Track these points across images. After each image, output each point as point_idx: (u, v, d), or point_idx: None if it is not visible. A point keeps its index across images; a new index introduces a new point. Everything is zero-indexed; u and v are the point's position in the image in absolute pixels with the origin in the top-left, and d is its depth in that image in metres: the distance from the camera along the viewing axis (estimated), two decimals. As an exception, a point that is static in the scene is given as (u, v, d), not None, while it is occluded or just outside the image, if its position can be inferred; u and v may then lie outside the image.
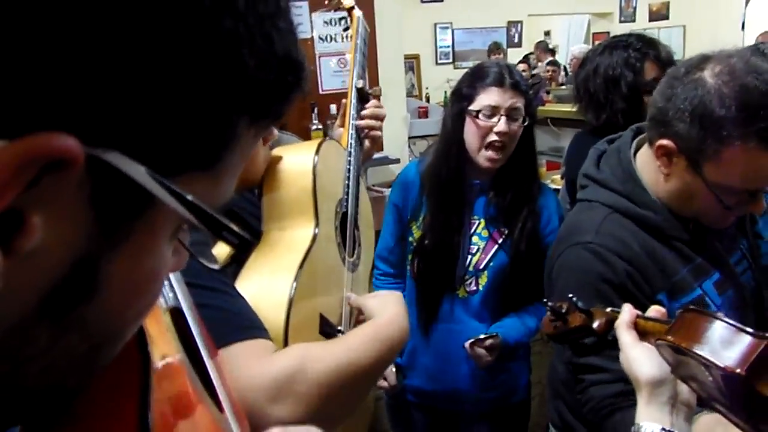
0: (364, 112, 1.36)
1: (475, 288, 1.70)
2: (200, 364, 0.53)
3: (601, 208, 1.18)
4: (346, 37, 3.57)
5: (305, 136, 3.29)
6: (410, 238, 1.74)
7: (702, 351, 0.70)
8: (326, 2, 1.55)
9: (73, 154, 0.25)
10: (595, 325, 0.94)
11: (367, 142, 1.37)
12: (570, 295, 0.97)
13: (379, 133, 1.38)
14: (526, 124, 1.64)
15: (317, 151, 1.10)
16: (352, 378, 0.84)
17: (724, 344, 0.69)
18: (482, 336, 1.63)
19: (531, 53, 8.22)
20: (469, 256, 1.69)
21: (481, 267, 1.69)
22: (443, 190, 1.68)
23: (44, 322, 0.30)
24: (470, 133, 1.64)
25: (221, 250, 0.90)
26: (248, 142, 0.35)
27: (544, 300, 1.03)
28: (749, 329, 0.68)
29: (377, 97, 1.41)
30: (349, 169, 1.22)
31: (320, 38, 3.50)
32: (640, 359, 0.84)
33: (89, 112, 0.26)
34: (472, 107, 1.62)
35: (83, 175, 0.27)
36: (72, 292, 0.30)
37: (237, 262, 0.99)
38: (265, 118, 0.35)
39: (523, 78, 1.72)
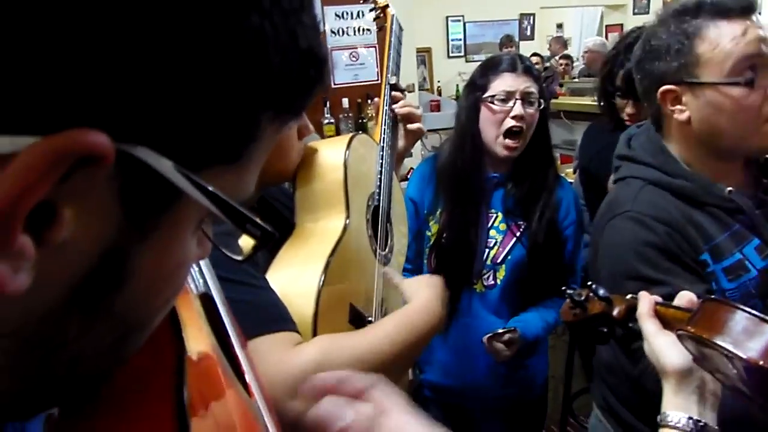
0: (398, 104, 1.36)
1: (493, 282, 1.69)
2: (230, 349, 0.54)
3: (636, 181, 1.20)
4: (359, 30, 3.57)
5: (318, 129, 3.29)
6: (428, 233, 1.73)
7: (724, 342, 0.70)
8: (362, 1, 1.56)
9: (105, 150, 0.26)
10: (615, 312, 0.94)
11: (402, 141, 1.38)
12: (589, 283, 0.97)
13: (422, 126, 1.40)
14: (542, 107, 1.63)
15: (348, 145, 1.13)
16: (378, 367, 0.84)
17: (747, 335, 0.69)
18: (500, 330, 1.62)
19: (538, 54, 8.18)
20: (487, 250, 1.68)
21: (499, 261, 1.67)
22: (460, 183, 1.67)
23: (74, 312, 0.31)
24: (486, 122, 1.63)
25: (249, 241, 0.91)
26: (271, 136, 0.35)
27: (563, 288, 1.02)
28: None
29: (410, 92, 1.43)
30: (381, 164, 1.24)
31: (332, 32, 3.49)
32: (666, 348, 0.83)
33: (119, 109, 0.27)
34: (486, 94, 1.62)
35: (113, 170, 0.27)
36: (101, 283, 0.31)
37: (269, 250, 1.01)
38: (287, 112, 0.35)
39: (533, 64, 1.72)
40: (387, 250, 1.22)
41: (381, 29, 1.51)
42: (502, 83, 1.61)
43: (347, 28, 3.52)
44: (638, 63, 1.20)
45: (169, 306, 0.39)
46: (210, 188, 0.30)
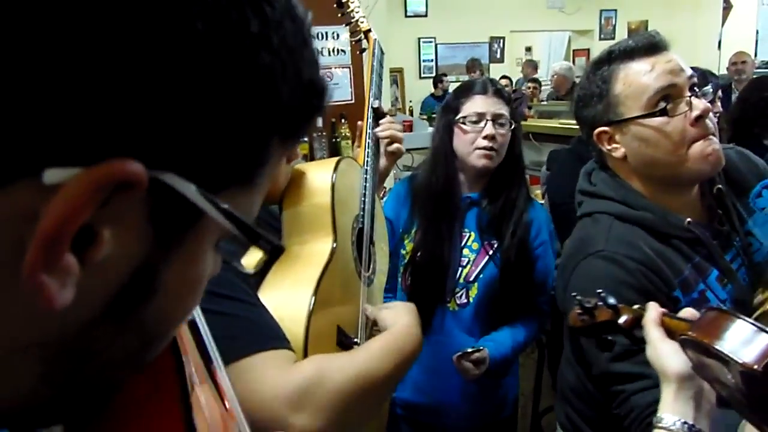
0: (380, 127, 1.40)
1: (465, 300, 1.71)
2: (212, 373, 0.56)
3: (604, 217, 1.23)
4: (333, 50, 3.61)
5: (291, 148, 3.30)
6: (402, 251, 1.76)
7: (722, 347, 0.72)
8: (345, 25, 1.58)
9: (140, 177, 0.29)
10: (622, 320, 0.97)
11: (383, 160, 1.41)
12: (599, 291, 1.00)
13: (401, 147, 1.43)
14: (513, 127, 1.68)
15: (336, 168, 1.15)
16: (368, 388, 0.87)
17: (745, 342, 0.71)
18: (469, 350, 1.64)
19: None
20: (460, 269, 1.71)
21: (471, 279, 1.70)
22: (435, 203, 1.71)
23: (108, 323, 0.34)
24: (459, 142, 1.68)
25: (249, 261, 0.92)
26: (277, 160, 0.39)
27: (573, 294, 1.04)
28: None
29: (392, 115, 1.45)
30: (365, 186, 1.26)
31: (307, 52, 3.52)
32: (670, 354, 0.87)
33: (151, 140, 0.30)
34: (459, 116, 1.67)
35: (145, 194, 0.30)
36: (133, 297, 0.34)
37: (258, 273, 1.01)
38: (292, 137, 0.39)
39: (504, 88, 1.78)
40: (370, 271, 1.24)
41: (363, 52, 1.53)
42: (474, 105, 1.66)
43: (322, 48, 3.55)
44: (574, 113, 1.31)
45: (188, 316, 0.43)
46: (227, 208, 0.34)
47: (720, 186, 1.23)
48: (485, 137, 1.63)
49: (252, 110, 0.34)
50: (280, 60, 0.34)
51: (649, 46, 1.17)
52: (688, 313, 0.92)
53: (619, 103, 1.18)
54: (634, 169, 1.22)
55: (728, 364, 0.72)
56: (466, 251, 1.72)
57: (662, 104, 1.14)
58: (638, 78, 1.16)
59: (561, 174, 2.49)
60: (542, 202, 2.98)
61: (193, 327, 0.56)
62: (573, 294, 1.04)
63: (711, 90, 1.23)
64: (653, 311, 0.93)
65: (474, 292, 1.71)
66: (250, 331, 0.82)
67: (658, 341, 0.89)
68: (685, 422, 0.83)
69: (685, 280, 1.15)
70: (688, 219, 1.18)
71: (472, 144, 1.65)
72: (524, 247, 1.71)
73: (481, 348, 1.64)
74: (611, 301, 0.98)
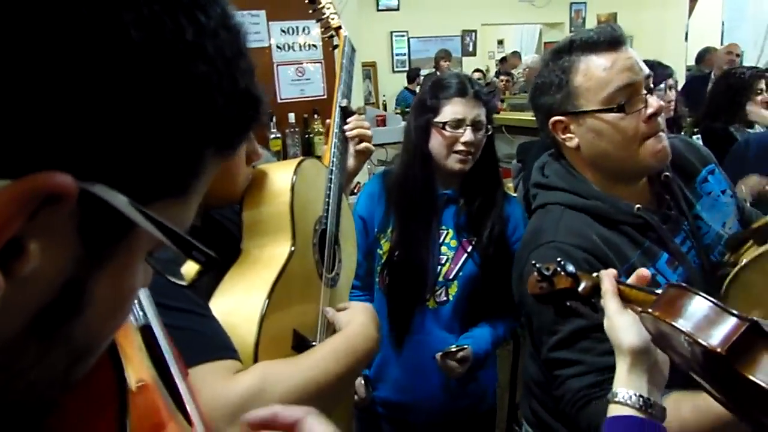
0: (347, 126, 1.37)
1: (445, 298, 1.71)
2: (170, 380, 0.55)
3: (555, 207, 1.26)
4: (305, 45, 3.59)
5: (264, 144, 3.28)
6: (379, 251, 1.74)
7: (685, 327, 0.72)
8: (316, 21, 1.56)
9: (69, 189, 0.29)
10: (581, 288, 0.97)
11: (352, 159, 1.38)
12: (558, 258, 1.00)
13: (370, 146, 1.41)
14: (489, 133, 1.68)
15: (296, 170, 1.13)
16: (315, 393, 0.87)
17: (708, 322, 0.71)
18: (453, 348, 1.64)
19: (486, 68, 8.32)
20: (439, 267, 1.70)
21: (451, 277, 1.70)
22: (411, 201, 1.70)
23: (33, 339, 0.33)
24: (437, 144, 1.67)
25: (186, 271, 0.91)
26: (212, 169, 0.39)
27: (533, 262, 1.04)
28: (733, 310, 0.70)
29: (361, 114, 1.43)
30: (329, 187, 1.24)
31: (278, 47, 3.49)
32: (625, 327, 0.87)
33: (81, 152, 0.29)
34: (438, 119, 1.65)
35: (74, 206, 0.30)
36: (60, 311, 0.33)
37: (215, 274, 1.01)
38: (227, 148, 0.39)
39: (482, 87, 1.77)
40: (334, 272, 1.22)
41: (335, 48, 1.51)
42: (453, 110, 1.64)
43: (293, 43, 3.53)
44: (530, 100, 1.31)
45: (118, 329, 0.41)
46: (160, 220, 0.33)
47: (667, 173, 1.27)
48: (464, 143, 1.63)
49: (186, 121, 0.33)
50: (215, 69, 0.34)
51: (611, 40, 1.18)
52: (638, 276, 0.93)
53: (577, 95, 1.20)
54: (586, 159, 1.25)
55: (690, 343, 0.72)
56: (444, 249, 1.72)
57: (620, 100, 1.16)
58: (599, 72, 1.17)
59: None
60: (515, 195, 3.00)
61: (147, 332, 0.55)
62: (533, 262, 1.04)
63: (663, 87, 1.25)
64: (608, 281, 0.92)
65: (454, 289, 1.71)
66: (195, 342, 0.80)
67: (614, 314, 0.89)
68: (640, 395, 0.84)
69: (632, 266, 1.17)
70: (638, 205, 1.21)
71: (450, 148, 1.65)
72: (503, 243, 1.72)
73: (465, 346, 1.65)
74: (570, 268, 0.98)
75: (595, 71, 1.18)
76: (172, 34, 0.31)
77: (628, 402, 0.84)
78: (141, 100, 0.30)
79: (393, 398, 1.80)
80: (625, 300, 0.90)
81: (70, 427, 0.40)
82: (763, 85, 3.08)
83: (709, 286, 1.19)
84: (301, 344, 1.06)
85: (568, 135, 1.24)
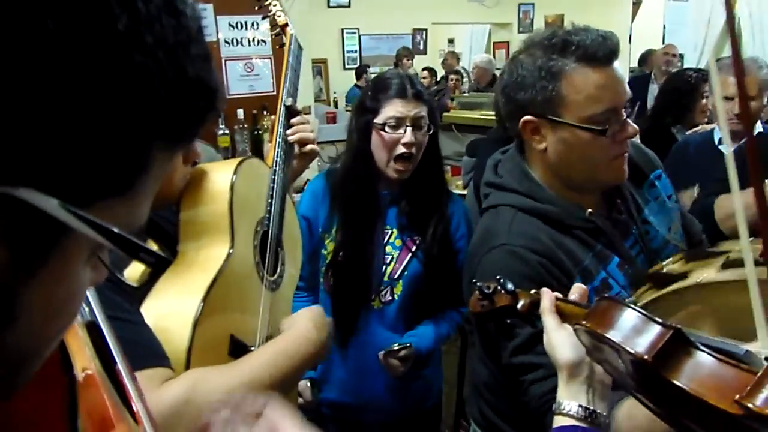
0: (290, 130, 1.34)
1: (390, 298, 1.72)
2: (116, 376, 0.54)
3: (507, 209, 1.25)
4: (253, 41, 3.54)
5: (212, 141, 3.22)
6: (323, 251, 1.73)
7: (615, 337, 0.75)
8: (263, 18, 1.53)
9: None
10: (520, 305, 0.99)
11: (296, 160, 1.35)
12: (498, 276, 1.01)
13: (316, 147, 1.37)
14: (431, 132, 1.68)
15: (236, 170, 1.10)
16: None
17: (635, 332, 0.74)
18: (395, 347, 1.65)
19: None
20: (384, 267, 1.70)
21: (396, 276, 1.71)
22: (354, 202, 1.69)
23: None
24: (377, 146, 1.65)
25: (140, 268, 0.89)
26: (162, 164, 0.36)
27: (473, 280, 1.05)
28: (658, 319, 0.73)
29: (306, 114, 1.40)
30: (272, 188, 1.21)
31: (226, 42, 3.43)
32: (561, 343, 0.90)
33: (1, 153, 0.27)
34: (377, 120, 1.64)
35: None
36: None
37: (144, 286, 0.96)
38: (179, 141, 0.37)
39: (424, 87, 1.76)
40: (277, 275, 1.20)
41: (282, 46, 1.48)
42: (392, 110, 1.63)
43: (242, 38, 3.47)
44: (504, 88, 1.24)
45: (61, 335, 0.39)
46: (98, 222, 0.31)
47: None
48: (405, 144, 1.62)
49: (124, 115, 0.31)
50: (155, 59, 0.32)
51: (609, 55, 1.14)
52: (577, 291, 0.96)
53: (560, 104, 1.15)
54: (549, 164, 1.24)
55: (619, 352, 0.75)
56: (389, 248, 1.72)
57: (602, 123, 1.13)
58: (590, 89, 1.13)
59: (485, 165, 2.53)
60: (464, 192, 3.03)
61: (93, 327, 0.53)
62: (473, 280, 1.05)
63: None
64: (547, 299, 0.95)
65: (399, 289, 1.72)
66: (123, 352, 0.78)
67: (551, 331, 0.92)
68: (581, 405, 0.87)
69: (585, 269, 1.20)
70: (589, 210, 1.23)
71: (391, 151, 1.63)
72: (446, 241, 1.73)
73: (408, 345, 1.66)
74: (509, 286, 1.00)
75: (586, 86, 1.13)
76: (101, 23, 0.29)
77: (571, 412, 0.88)
78: (67, 96, 0.28)
79: (339, 399, 1.79)
80: (562, 315, 0.93)
81: (17, 426, 0.38)
82: (707, 88, 3.19)
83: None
84: (238, 350, 1.03)
85: (537, 137, 1.21)
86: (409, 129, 1.62)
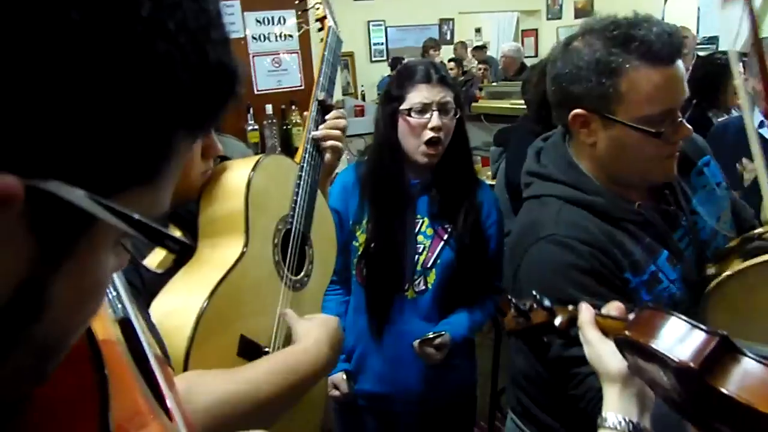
0: (323, 124, 1.30)
1: (424, 287, 1.71)
2: (149, 373, 0.53)
3: (553, 200, 1.21)
4: (281, 36, 3.55)
5: (242, 137, 3.24)
6: (355, 243, 1.73)
7: (658, 346, 0.72)
8: (299, 13, 1.52)
9: (13, 191, 0.26)
10: (557, 322, 0.96)
11: (327, 155, 1.30)
12: (534, 293, 0.98)
13: (338, 143, 1.31)
14: (458, 116, 1.67)
15: (255, 166, 1.07)
16: (245, 409, 0.83)
17: (679, 340, 0.71)
18: (431, 335, 1.64)
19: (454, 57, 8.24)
20: (416, 256, 1.70)
21: (429, 265, 1.70)
22: (384, 193, 1.69)
23: None
24: (405, 133, 1.66)
25: (161, 255, 0.89)
26: (184, 152, 0.36)
27: (509, 297, 1.02)
28: (703, 326, 0.71)
29: (340, 108, 1.35)
30: (299, 184, 1.18)
31: (254, 38, 3.45)
32: (609, 353, 0.86)
33: (27, 147, 0.27)
34: (404, 106, 1.64)
35: (23, 206, 0.27)
36: (19, 314, 0.31)
37: (166, 273, 0.95)
38: (201, 128, 0.36)
39: (448, 72, 1.76)
40: (302, 274, 1.16)
41: (323, 40, 1.44)
42: (418, 95, 1.63)
43: (269, 33, 3.48)
44: (556, 77, 1.19)
45: (87, 323, 0.39)
46: (124, 211, 0.31)
47: None
48: (432, 128, 1.62)
49: (148, 104, 0.30)
50: (178, 46, 0.31)
51: (672, 54, 1.09)
52: (615, 307, 0.91)
53: (616, 102, 1.10)
54: (596, 158, 1.20)
55: (664, 364, 0.72)
56: (420, 238, 1.71)
57: (658, 125, 1.10)
58: (649, 89, 1.08)
59: (519, 155, 2.49)
60: (493, 183, 3.00)
61: (126, 324, 0.53)
62: (508, 296, 1.03)
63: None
64: (587, 312, 0.92)
65: (432, 278, 1.71)
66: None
67: (597, 342, 0.88)
68: (630, 421, 0.83)
69: (635, 261, 1.16)
70: (638, 202, 1.19)
71: (419, 138, 1.63)
72: (477, 228, 1.73)
73: (442, 333, 1.65)
74: (546, 303, 0.97)
75: (646, 86, 1.08)
76: (124, 11, 0.28)
77: (618, 427, 0.83)
78: (92, 86, 0.28)
79: (374, 390, 1.79)
80: (602, 331, 0.90)
81: (46, 422, 0.38)
82: (741, 68, 3.11)
83: (704, 285, 1.18)
84: (249, 350, 1.01)
85: (586, 131, 1.17)
86: (435, 113, 1.62)
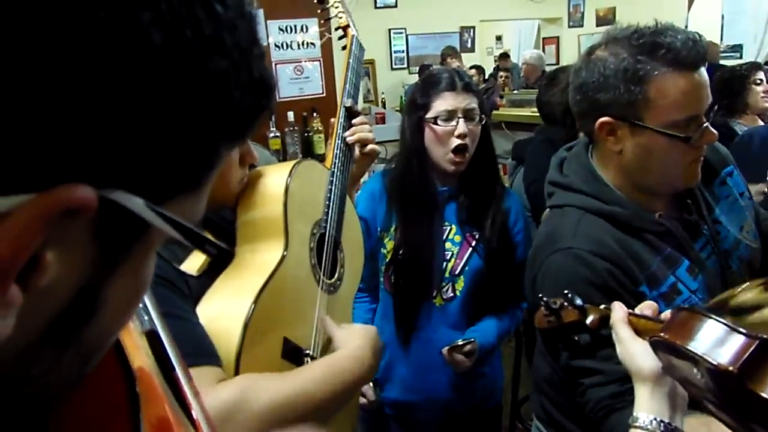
0: (348, 132, 1.33)
1: (452, 294, 1.71)
2: (176, 385, 0.54)
3: (573, 210, 1.22)
4: (303, 44, 3.57)
5: (263, 143, 3.27)
6: (383, 250, 1.74)
7: (696, 349, 0.72)
8: (321, 22, 1.54)
9: (91, 202, 0.28)
10: (589, 321, 0.96)
11: (360, 158, 1.33)
12: (565, 292, 0.98)
13: (376, 147, 1.35)
14: (483, 122, 1.67)
15: (291, 172, 1.10)
16: (297, 413, 0.84)
17: (718, 342, 0.71)
18: (460, 342, 1.64)
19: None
20: (445, 263, 1.70)
21: (457, 272, 1.70)
22: (412, 200, 1.70)
23: (48, 347, 0.32)
24: (432, 141, 1.66)
25: (198, 261, 0.90)
26: (224, 161, 0.38)
27: (540, 296, 1.03)
28: (742, 329, 0.70)
29: (366, 115, 1.38)
30: (331, 190, 1.20)
31: (276, 46, 3.48)
32: (642, 352, 0.86)
33: (99, 159, 0.28)
34: (429, 115, 1.65)
35: (93, 215, 0.29)
36: (75, 316, 0.32)
37: (203, 277, 0.97)
38: (241, 137, 0.38)
39: (472, 79, 1.77)
40: (336, 278, 1.19)
41: (345, 49, 1.48)
42: (444, 103, 1.64)
43: (291, 42, 3.51)
44: (581, 86, 1.19)
45: (125, 325, 0.41)
46: (175, 218, 0.32)
47: None
48: (459, 135, 1.62)
49: (203, 118, 0.32)
50: (233, 63, 0.32)
51: (698, 60, 1.10)
52: (647, 306, 0.92)
53: (645, 108, 1.11)
54: (622, 165, 1.20)
55: (698, 365, 0.72)
56: (448, 245, 1.71)
57: (685, 129, 1.11)
58: (676, 94, 1.09)
59: (537, 165, 2.48)
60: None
61: (153, 336, 0.54)
62: (540, 296, 1.03)
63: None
64: (620, 311, 0.92)
65: (460, 285, 1.71)
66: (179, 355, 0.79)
67: (629, 341, 0.89)
68: (661, 420, 0.83)
69: (652, 274, 1.16)
70: (659, 213, 1.19)
71: (446, 145, 1.64)
72: (505, 234, 1.72)
73: (472, 339, 1.65)
74: (578, 301, 0.98)
75: (673, 91, 1.09)
76: (191, 30, 0.29)
77: (649, 427, 0.83)
78: (160, 104, 0.29)
79: (401, 398, 1.79)
80: (636, 330, 0.90)
81: (78, 424, 0.39)
82: (762, 76, 3.07)
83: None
84: (293, 353, 1.03)
85: (613, 138, 1.18)
86: (461, 120, 1.63)
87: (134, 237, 0.33)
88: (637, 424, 0.85)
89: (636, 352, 0.87)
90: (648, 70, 1.09)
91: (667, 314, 0.92)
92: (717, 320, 0.74)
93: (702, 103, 1.13)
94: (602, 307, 0.96)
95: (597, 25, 9.76)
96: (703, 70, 1.12)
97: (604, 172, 1.24)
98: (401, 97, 7.71)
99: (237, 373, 0.90)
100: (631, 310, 0.92)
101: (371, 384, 1.72)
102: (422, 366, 1.73)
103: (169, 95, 0.29)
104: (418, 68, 7.86)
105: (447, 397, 1.75)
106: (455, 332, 1.70)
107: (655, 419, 0.83)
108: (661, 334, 0.79)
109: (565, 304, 0.99)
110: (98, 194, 0.28)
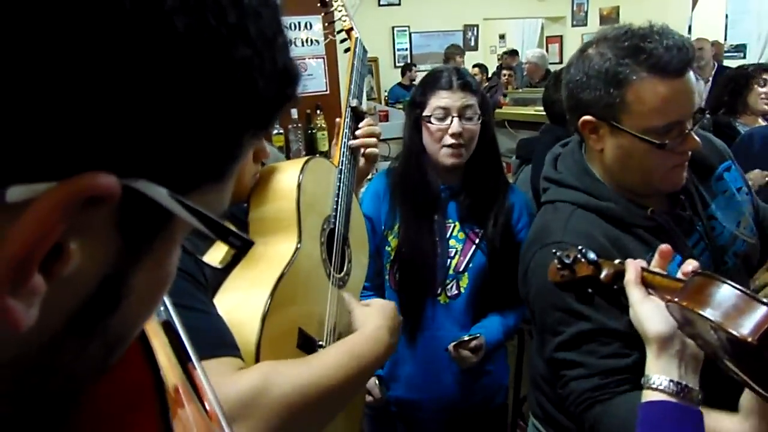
0: (358, 132, 1.37)
1: (456, 292, 1.71)
2: (190, 373, 0.55)
3: (565, 206, 1.23)
4: (307, 41, 3.58)
5: (267, 140, 3.28)
6: (387, 248, 1.74)
7: (714, 317, 0.71)
8: (325, 24, 1.55)
9: (113, 190, 0.28)
10: (603, 275, 0.96)
11: (362, 161, 1.38)
12: (579, 246, 0.99)
13: (375, 150, 1.39)
14: (481, 120, 1.67)
15: (303, 168, 1.12)
16: (319, 396, 0.85)
17: (737, 311, 0.70)
18: (466, 338, 1.64)
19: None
20: (448, 260, 1.70)
21: (461, 269, 1.70)
22: (413, 198, 1.71)
23: (72, 337, 0.32)
24: (428, 139, 1.68)
25: (220, 253, 0.91)
26: (248, 152, 0.38)
27: (554, 251, 1.02)
28: (763, 299, 0.70)
29: (371, 114, 1.42)
30: (339, 186, 1.23)
31: (280, 42, 3.49)
32: (650, 315, 0.88)
33: (123, 149, 0.28)
34: (425, 113, 1.66)
35: (116, 204, 0.29)
36: (100, 306, 0.32)
37: (222, 271, 0.99)
38: (265, 128, 0.37)
39: (474, 78, 1.77)
40: (344, 272, 1.21)
41: (347, 51, 1.50)
42: (438, 101, 1.64)
43: (295, 39, 3.52)
44: (569, 83, 1.20)
45: (152, 315, 0.42)
46: (199, 209, 0.32)
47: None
48: (452, 134, 1.63)
49: (228, 108, 0.32)
50: (257, 51, 0.32)
51: (681, 67, 1.08)
52: (661, 252, 0.93)
53: (623, 111, 1.11)
54: (605, 165, 1.21)
55: (716, 330, 0.71)
56: (452, 242, 1.72)
57: (663, 136, 1.10)
58: (655, 101, 1.09)
59: (542, 163, 2.48)
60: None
61: (169, 327, 0.55)
62: (553, 251, 1.03)
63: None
64: (632, 271, 0.93)
65: (465, 282, 1.71)
66: (195, 339, 0.80)
67: (637, 303, 0.90)
68: (671, 380, 0.85)
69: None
70: (651, 208, 1.19)
71: (440, 142, 1.65)
72: (508, 231, 1.72)
73: (478, 335, 1.65)
74: (591, 256, 0.97)
75: (652, 98, 1.08)
76: (215, 18, 0.29)
77: (660, 387, 0.86)
78: (183, 92, 0.29)
79: (407, 396, 1.78)
80: (650, 287, 0.90)
81: (102, 421, 0.40)
82: (767, 76, 3.08)
83: None
84: (307, 344, 1.04)
85: (595, 137, 1.19)
86: (455, 119, 1.63)
87: (158, 227, 0.33)
88: (649, 384, 0.87)
89: (643, 315, 0.89)
90: (627, 73, 1.09)
91: (687, 267, 0.92)
92: (735, 287, 0.73)
93: (684, 110, 1.11)
94: (617, 262, 0.96)
95: (600, 24, 9.74)
96: (688, 76, 1.10)
97: (594, 168, 1.25)
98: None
99: (257, 361, 0.91)
100: (645, 267, 0.93)
101: (377, 382, 1.72)
102: (427, 364, 1.73)
103: (192, 83, 0.29)
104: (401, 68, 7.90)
105: (452, 395, 1.75)
106: (460, 330, 1.70)
107: (667, 379, 0.85)
108: (677, 300, 0.79)
109: (579, 257, 0.98)
110: (121, 183, 0.28)
